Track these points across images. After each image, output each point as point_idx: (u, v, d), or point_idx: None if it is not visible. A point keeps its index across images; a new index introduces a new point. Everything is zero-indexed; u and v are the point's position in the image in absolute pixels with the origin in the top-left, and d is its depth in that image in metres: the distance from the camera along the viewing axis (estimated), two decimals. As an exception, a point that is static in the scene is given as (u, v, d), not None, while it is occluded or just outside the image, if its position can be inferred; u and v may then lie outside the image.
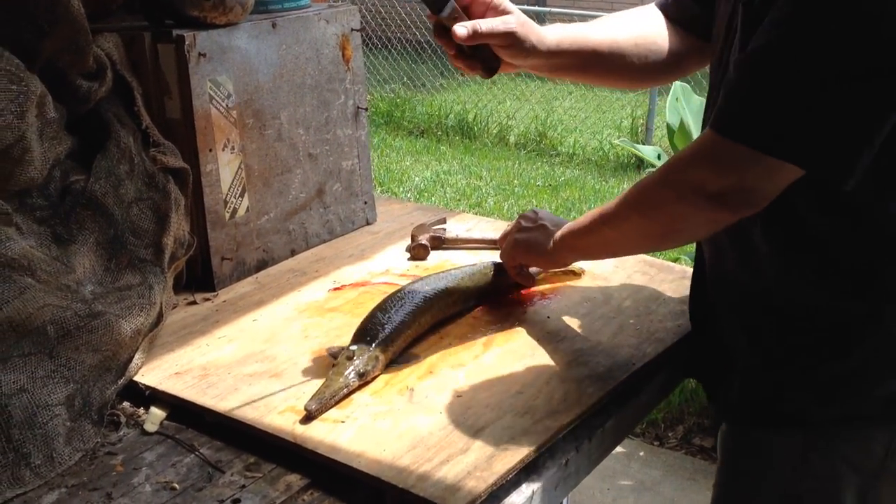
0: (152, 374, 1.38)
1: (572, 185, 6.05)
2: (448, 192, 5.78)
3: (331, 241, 1.88)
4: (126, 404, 1.35)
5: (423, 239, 1.79)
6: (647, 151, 3.17)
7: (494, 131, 7.34)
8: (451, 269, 1.61)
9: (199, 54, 1.53)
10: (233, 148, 1.63)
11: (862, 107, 1.03)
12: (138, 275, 1.44)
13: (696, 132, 2.80)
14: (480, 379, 1.35)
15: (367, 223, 1.97)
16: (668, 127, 2.92)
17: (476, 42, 1.30)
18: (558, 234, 1.46)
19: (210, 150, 1.59)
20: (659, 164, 3.08)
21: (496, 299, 1.61)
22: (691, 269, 1.76)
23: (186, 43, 1.52)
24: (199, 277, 1.65)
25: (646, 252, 1.69)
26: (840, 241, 1.18)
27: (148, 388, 1.35)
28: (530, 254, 1.52)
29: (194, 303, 1.61)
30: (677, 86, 3.02)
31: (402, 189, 5.77)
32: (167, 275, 1.48)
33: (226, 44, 1.59)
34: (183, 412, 1.32)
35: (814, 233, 1.19)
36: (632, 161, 6.60)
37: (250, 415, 1.27)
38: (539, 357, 1.42)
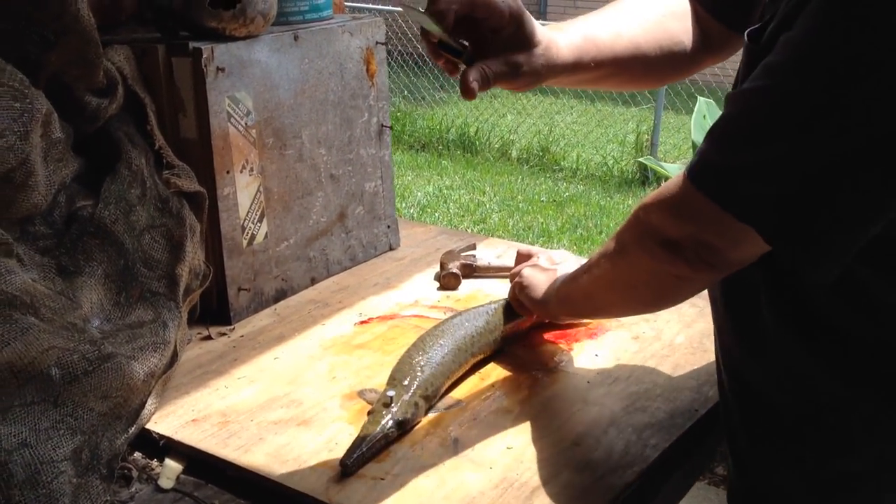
0: (166, 421, 1.25)
1: (577, 201, 5.93)
2: (451, 207, 5.66)
3: (353, 269, 1.75)
4: (137, 455, 1.22)
5: (454, 267, 1.66)
6: (672, 169, 3.04)
7: (496, 146, 7.23)
8: (489, 303, 1.49)
9: (218, 69, 1.41)
10: (251, 169, 1.51)
11: (857, 187, 0.85)
12: (151, 310, 1.31)
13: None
14: (530, 427, 1.23)
15: (391, 248, 1.84)
16: (694, 144, 2.80)
17: (488, 89, 1.16)
18: (558, 282, 1.35)
19: (227, 172, 1.47)
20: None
21: (539, 336, 1.49)
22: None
23: (204, 56, 1.39)
24: (214, 309, 1.52)
25: (623, 315, 1.49)
26: (855, 326, 1.00)
27: (162, 437, 1.22)
28: (527, 294, 1.40)
29: (209, 338, 1.48)
30: (702, 102, 2.90)
31: (404, 205, 5.64)
32: (182, 309, 1.35)
33: (245, 58, 1.46)
34: (202, 465, 1.19)
35: (827, 317, 1.01)
36: (636, 177, 6.50)
37: (279, 471, 1.14)
38: (592, 402, 1.29)
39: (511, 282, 1.46)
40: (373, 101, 1.74)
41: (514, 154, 7.14)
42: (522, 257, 1.52)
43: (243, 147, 1.48)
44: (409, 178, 6.38)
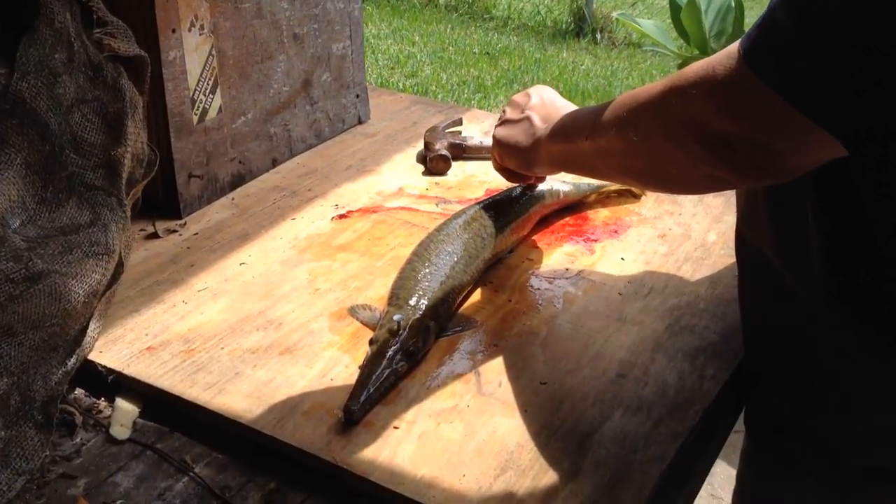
0: (114, 349, 1.00)
1: (511, 53, 5.63)
2: (380, 59, 5.31)
3: (319, 147, 1.49)
4: (80, 393, 0.98)
5: (442, 148, 1.41)
6: (648, 27, 2.75)
7: (423, -9, 6.81)
8: (492, 195, 1.25)
9: None
10: (202, 27, 1.21)
11: None
12: (87, 209, 1.03)
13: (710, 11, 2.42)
14: (564, 354, 1.02)
15: (360, 122, 1.57)
16: (672, 1, 2.53)
17: None
18: (542, 134, 1.09)
19: (173, 31, 1.17)
20: (664, 45, 2.71)
21: (553, 233, 1.27)
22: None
23: None
24: (160, 200, 1.25)
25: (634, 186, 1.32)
26: None
27: (111, 371, 0.98)
28: (510, 156, 1.15)
29: (156, 235, 1.22)
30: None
31: (330, 55, 5.26)
32: (126, 206, 1.08)
33: None
34: (163, 407, 0.95)
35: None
36: (570, 28, 6.21)
37: (264, 418, 0.91)
38: (630, 320, 1.09)
39: (493, 157, 1.21)
40: (342, -58, 1.43)
41: (442, 0, 6.74)
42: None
43: (192, -1, 1.18)
44: (333, 25, 5.96)
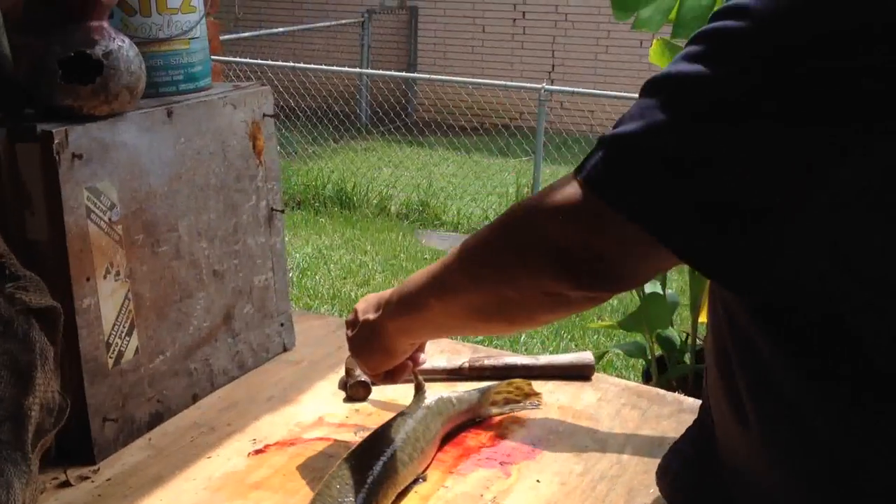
0: None
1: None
2: (332, 269, 5.41)
3: (242, 378, 1.50)
4: None
5: (361, 374, 1.43)
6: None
7: (374, 201, 7.02)
8: (402, 416, 1.26)
9: (73, 155, 1.15)
10: (118, 274, 1.25)
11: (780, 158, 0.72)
12: (-10, 465, 1.03)
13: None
14: (475, 591, 1.01)
15: (285, 350, 1.60)
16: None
17: None
18: (381, 318, 1.15)
19: (88, 280, 1.21)
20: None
21: (468, 459, 1.27)
22: (686, 399, 1.49)
23: (56, 141, 1.13)
24: (73, 446, 1.24)
25: (477, 332, 1.37)
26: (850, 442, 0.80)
27: None
28: (372, 359, 1.21)
29: (68, 484, 1.20)
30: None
31: (282, 267, 5.36)
32: (32, 459, 1.08)
33: (108, 140, 1.21)
34: None
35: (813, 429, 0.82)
36: (519, 230, 6.39)
37: None
38: (543, 548, 1.08)
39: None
40: (261, 181, 1.50)
41: (393, 209, 6.94)
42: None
43: (107, 247, 1.22)
44: (287, 238, 6.09)
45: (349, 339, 1.23)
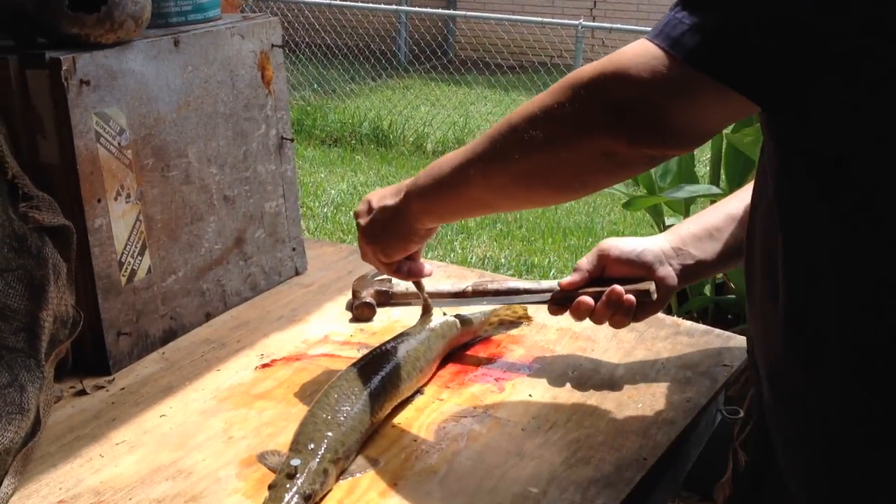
0: (28, 504, 1.05)
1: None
2: (367, 206, 5.46)
3: (254, 300, 1.56)
4: (-7, 549, 1.02)
5: (367, 296, 1.49)
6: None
7: (411, 139, 7.04)
8: (405, 335, 1.31)
9: (81, 82, 1.20)
10: (128, 196, 1.30)
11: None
12: (5, 371, 1.10)
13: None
14: (462, 491, 1.06)
15: (297, 273, 1.65)
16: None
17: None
18: (403, 204, 1.14)
19: (99, 201, 1.26)
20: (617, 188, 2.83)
21: (463, 373, 1.33)
22: (683, 322, 1.52)
23: (64, 68, 1.18)
24: (90, 358, 1.31)
25: (517, 204, 1.22)
26: None
27: (22, 526, 1.02)
28: (385, 246, 1.19)
29: (84, 392, 1.28)
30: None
31: (317, 203, 5.42)
32: (46, 367, 1.15)
33: (115, 67, 1.26)
34: (70, 559, 1.00)
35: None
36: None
37: (161, 566, 0.95)
38: (528, 454, 1.13)
39: (368, 261, 1.25)
40: (270, 111, 1.55)
41: (429, 147, 6.96)
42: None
43: (117, 171, 1.28)
44: (322, 175, 6.15)
45: (362, 228, 1.20)
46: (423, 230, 1.17)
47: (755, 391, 1.04)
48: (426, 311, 1.37)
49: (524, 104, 0.98)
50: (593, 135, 0.90)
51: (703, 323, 1.58)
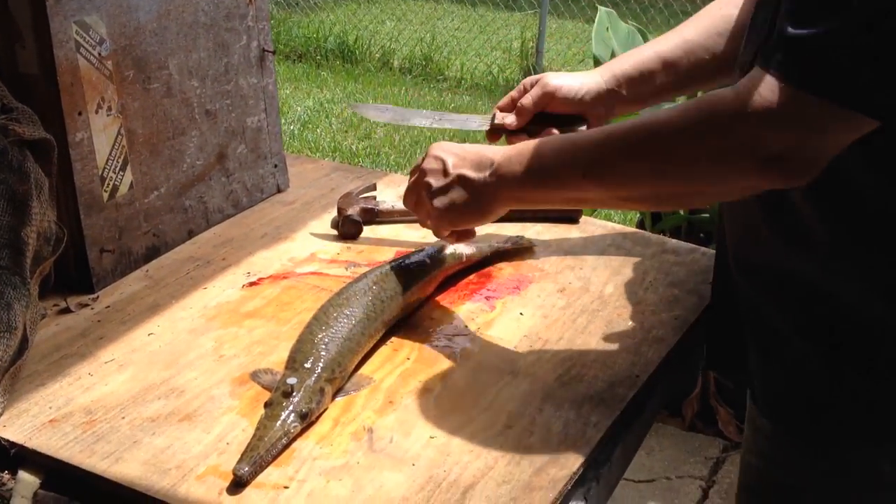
0: (18, 423, 1.03)
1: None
2: (333, 123, 5.40)
3: (236, 217, 1.54)
4: (-16, 467, 1.01)
5: (354, 213, 1.46)
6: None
7: (377, 55, 6.93)
8: (404, 258, 1.30)
9: (59, -13, 1.15)
10: (109, 108, 1.26)
11: None
12: (-9, 289, 1.07)
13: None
14: (455, 408, 1.06)
15: (279, 190, 1.63)
16: (596, 59, 2.63)
17: None
18: (493, 181, 1.09)
19: (80, 114, 1.22)
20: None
21: (455, 293, 1.32)
22: (669, 240, 1.52)
23: (41, -28, 1.13)
24: (73, 275, 1.29)
25: (632, 208, 1.37)
26: None
27: (13, 444, 1.01)
28: (461, 219, 1.14)
29: (68, 310, 1.25)
30: (603, 12, 2.72)
31: (284, 121, 5.34)
32: (31, 284, 1.12)
33: (94, -27, 1.20)
34: (63, 478, 0.98)
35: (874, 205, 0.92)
36: (522, 86, 6.33)
37: (158, 483, 0.94)
38: (522, 372, 1.13)
39: (434, 231, 1.19)
40: (251, 21, 1.50)
41: (395, 63, 6.86)
42: (410, 198, 1.20)
43: (97, 82, 1.24)
44: (288, 91, 6.04)
45: (434, 189, 1.13)
46: (503, 212, 1.13)
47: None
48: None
49: (650, 131, 0.98)
50: (744, 178, 0.91)
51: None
